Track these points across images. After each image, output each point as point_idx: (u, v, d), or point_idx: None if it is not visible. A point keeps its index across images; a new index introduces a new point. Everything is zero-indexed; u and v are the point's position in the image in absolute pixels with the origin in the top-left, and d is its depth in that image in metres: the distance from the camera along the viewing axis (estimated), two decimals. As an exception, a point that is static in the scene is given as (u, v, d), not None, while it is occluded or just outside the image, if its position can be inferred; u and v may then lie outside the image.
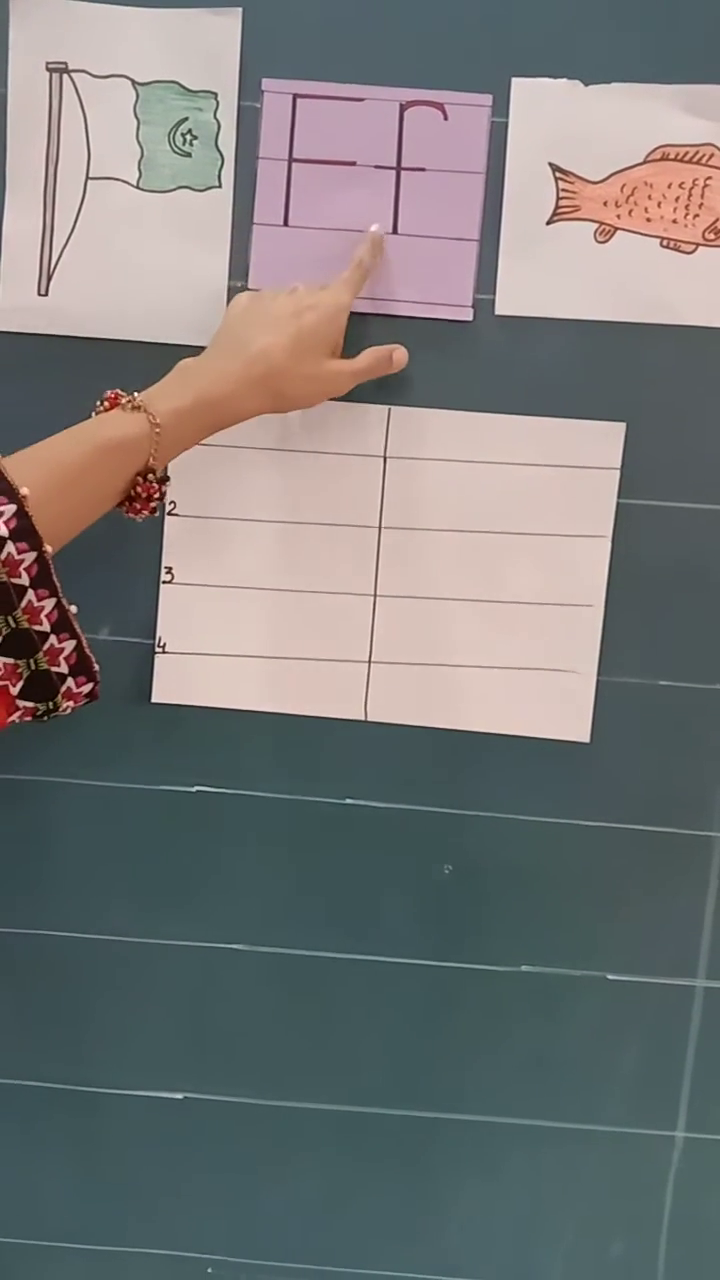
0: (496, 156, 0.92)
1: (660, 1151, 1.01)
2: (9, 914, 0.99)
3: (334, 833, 0.98)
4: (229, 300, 0.91)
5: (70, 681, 0.78)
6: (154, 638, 0.97)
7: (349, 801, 0.98)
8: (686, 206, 0.92)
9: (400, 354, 0.92)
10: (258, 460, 0.95)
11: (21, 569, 0.74)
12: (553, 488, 0.95)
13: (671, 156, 0.92)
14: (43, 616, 0.75)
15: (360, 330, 0.93)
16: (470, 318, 0.94)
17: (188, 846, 0.99)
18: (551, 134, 0.91)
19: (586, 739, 0.97)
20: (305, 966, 1.00)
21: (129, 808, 0.98)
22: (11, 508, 0.73)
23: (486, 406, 0.94)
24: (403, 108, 0.92)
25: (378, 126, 0.92)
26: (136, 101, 0.92)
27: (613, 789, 0.97)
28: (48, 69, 0.92)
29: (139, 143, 0.93)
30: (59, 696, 0.78)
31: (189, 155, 0.93)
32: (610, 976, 0.99)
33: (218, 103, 0.92)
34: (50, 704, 0.78)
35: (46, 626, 0.76)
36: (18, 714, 0.78)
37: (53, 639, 0.76)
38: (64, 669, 0.78)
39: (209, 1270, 1.04)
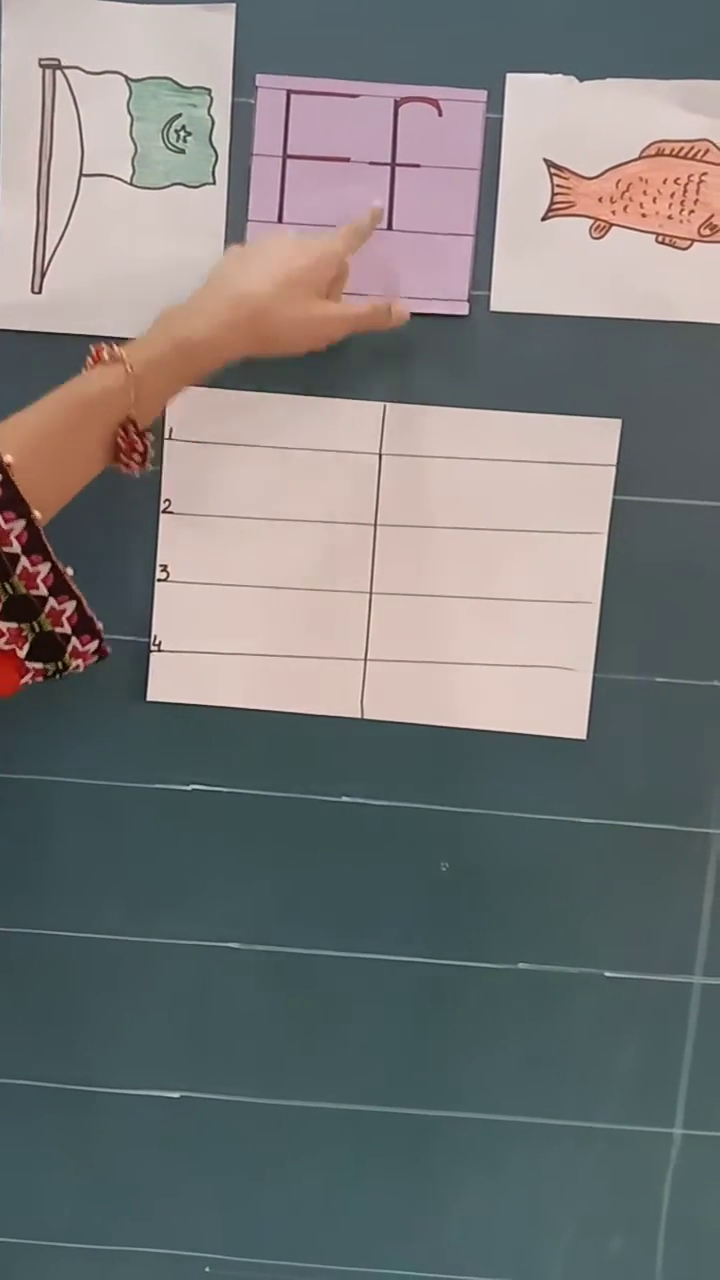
0: (491, 152, 0.92)
1: (658, 1148, 1.01)
2: (3, 912, 0.99)
3: (330, 831, 0.98)
4: None
5: (75, 641, 0.80)
6: (149, 636, 0.96)
7: (345, 799, 0.98)
8: (682, 202, 0.92)
9: (400, 308, 0.91)
10: (253, 457, 0.95)
11: (11, 537, 0.74)
12: (549, 484, 0.95)
13: (667, 152, 0.91)
14: (39, 581, 0.76)
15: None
16: (466, 314, 0.93)
17: (184, 845, 0.98)
18: (546, 130, 0.91)
19: (583, 736, 0.97)
20: (302, 965, 0.99)
21: (125, 806, 0.98)
22: None
23: (482, 403, 0.94)
24: (397, 104, 0.92)
25: (372, 122, 0.92)
26: (130, 98, 0.92)
27: (609, 786, 0.97)
28: (41, 65, 0.92)
29: (133, 139, 0.92)
30: (67, 656, 0.79)
31: (183, 152, 0.92)
32: (608, 973, 0.99)
33: (211, 99, 0.92)
34: (59, 664, 0.79)
35: (44, 590, 0.77)
36: (29, 675, 0.79)
37: (52, 602, 0.78)
38: (67, 629, 0.79)
39: (206, 1269, 1.03)
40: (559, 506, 0.95)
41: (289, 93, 0.92)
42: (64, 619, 0.79)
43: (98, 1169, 1.02)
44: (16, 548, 0.75)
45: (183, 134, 0.92)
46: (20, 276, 0.93)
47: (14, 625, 0.77)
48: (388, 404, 0.94)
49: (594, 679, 0.96)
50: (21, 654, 0.77)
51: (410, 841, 0.98)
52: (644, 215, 0.92)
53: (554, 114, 0.91)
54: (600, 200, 0.92)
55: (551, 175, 0.92)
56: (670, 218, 0.92)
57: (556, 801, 0.97)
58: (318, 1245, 1.03)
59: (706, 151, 0.91)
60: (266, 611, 0.96)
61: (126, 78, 0.92)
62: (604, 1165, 1.01)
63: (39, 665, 0.79)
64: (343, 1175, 1.02)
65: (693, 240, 0.92)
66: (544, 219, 0.93)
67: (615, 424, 0.94)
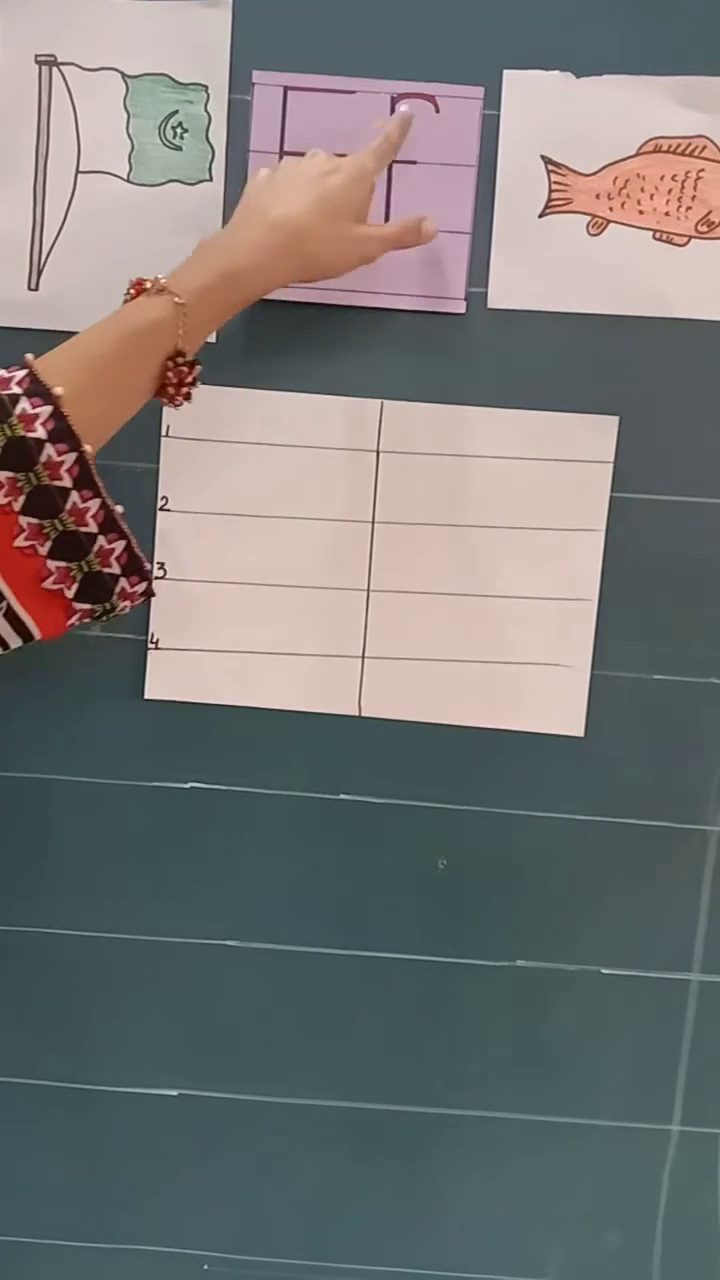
0: (488, 149, 0.92)
1: (656, 1145, 1.01)
2: (1, 911, 0.99)
3: (328, 828, 0.98)
4: None
5: (124, 581, 0.78)
6: (147, 634, 0.96)
7: (343, 797, 0.98)
8: (679, 199, 0.92)
9: (430, 224, 0.90)
10: (250, 455, 0.95)
11: (63, 470, 0.73)
12: (546, 481, 0.94)
13: (664, 149, 0.91)
14: (89, 518, 0.75)
15: (350, 325, 0.93)
16: (463, 311, 0.93)
17: (181, 843, 0.98)
18: (544, 126, 0.91)
19: (581, 733, 0.97)
20: (300, 962, 0.99)
21: (122, 804, 0.98)
22: (47, 409, 0.72)
23: (479, 400, 0.94)
24: (394, 100, 0.91)
25: (369, 119, 0.91)
26: (126, 94, 0.92)
27: (607, 783, 0.97)
28: (37, 62, 0.91)
29: (129, 136, 0.92)
30: (115, 597, 0.78)
31: (179, 148, 0.92)
32: (605, 971, 0.99)
33: (208, 95, 0.92)
34: (107, 604, 0.78)
35: (94, 528, 0.76)
36: (76, 616, 0.78)
37: (101, 540, 0.76)
38: (116, 569, 0.78)
39: (205, 1267, 1.03)
40: (556, 503, 0.95)
41: (286, 89, 0.92)
42: (112, 559, 0.77)
43: (96, 1167, 1.02)
44: (68, 481, 0.73)
45: (179, 130, 0.92)
46: (17, 273, 0.93)
47: (62, 564, 0.75)
48: (385, 401, 0.94)
49: (591, 676, 0.96)
50: (69, 594, 0.76)
51: (408, 839, 0.98)
52: (641, 212, 0.92)
53: (551, 110, 0.91)
54: (597, 197, 0.92)
55: (549, 172, 0.92)
56: (668, 214, 0.92)
57: (554, 799, 0.97)
58: (316, 1242, 1.03)
59: (704, 148, 0.91)
60: (264, 609, 0.96)
61: (123, 74, 0.92)
62: (602, 1162, 1.02)
63: (86, 606, 0.77)
64: (340, 1172, 1.02)
65: (690, 237, 0.92)
66: (541, 216, 0.92)
67: (613, 421, 0.94)
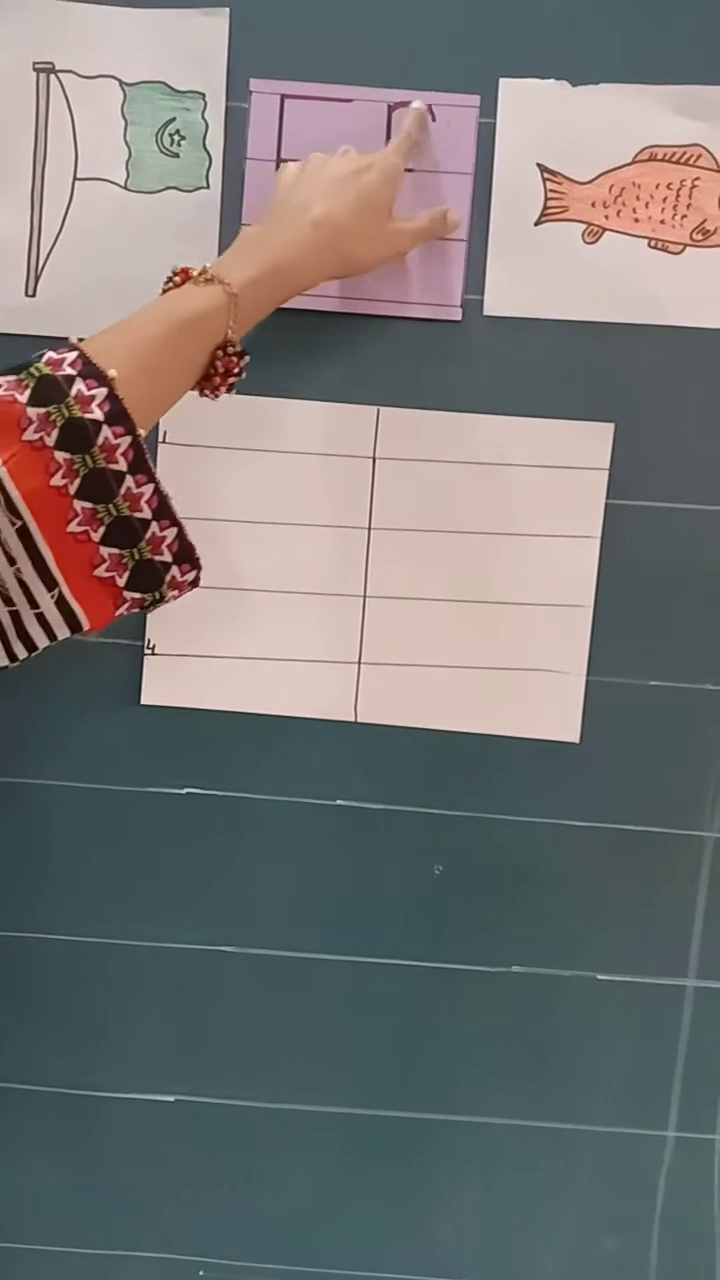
0: (484, 157, 0.92)
1: (652, 1150, 1.01)
2: (-1, 917, 0.99)
3: (325, 834, 0.98)
4: None
5: (175, 570, 0.77)
6: (143, 640, 0.96)
7: (339, 803, 0.98)
8: (674, 207, 0.92)
9: (454, 214, 0.92)
10: (247, 461, 0.95)
11: (118, 454, 0.72)
12: (542, 488, 0.95)
13: (659, 157, 0.92)
14: (143, 503, 0.74)
15: (347, 331, 0.93)
16: (459, 318, 0.94)
17: (178, 849, 0.98)
18: (539, 135, 0.91)
19: (576, 739, 0.97)
20: (296, 968, 0.99)
21: (119, 810, 0.98)
22: (103, 391, 0.72)
23: (475, 407, 0.94)
24: (391, 108, 0.92)
25: (366, 127, 0.92)
26: (124, 102, 0.92)
27: (602, 789, 0.97)
28: (35, 69, 0.92)
29: (127, 143, 0.92)
30: (164, 586, 0.77)
31: (177, 156, 0.92)
32: (601, 976, 0.99)
33: (205, 103, 0.92)
34: (157, 593, 0.77)
35: (148, 513, 0.74)
36: (125, 605, 0.76)
37: (154, 526, 0.75)
38: (168, 557, 0.76)
39: (200, 1273, 1.03)
40: (552, 510, 0.95)
41: (283, 97, 0.92)
42: (164, 546, 0.76)
43: (93, 1172, 1.02)
44: (123, 465, 0.72)
45: (177, 138, 0.92)
46: (14, 280, 0.93)
47: (115, 551, 0.73)
48: (381, 408, 0.94)
49: (587, 682, 0.96)
50: (121, 582, 0.75)
51: (404, 845, 0.98)
52: (637, 220, 0.92)
53: (547, 119, 0.91)
54: (593, 205, 0.92)
55: (544, 180, 0.92)
56: (663, 222, 0.92)
57: (550, 804, 0.97)
58: (312, 1248, 1.03)
59: (699, 156, 0.92)
60: (260, 615, 0.96)
61: (121, 82, 0.92)
62: (598, 1167, 1.02)
63: (136, 595, 0.76)
64: (337, 1178, 1.02)
65: (685, 245, 0.92)
66: (537, 224, 0.93)
67: (608, 428, 0.94)
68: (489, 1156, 1.01)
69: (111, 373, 0.72)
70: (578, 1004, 0.99)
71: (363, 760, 0.97)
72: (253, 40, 0.91)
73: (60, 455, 0.71)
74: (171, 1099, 1.01)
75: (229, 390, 0.82)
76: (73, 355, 0.73)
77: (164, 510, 0.75)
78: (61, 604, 0.73)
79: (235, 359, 0.81)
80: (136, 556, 0.75)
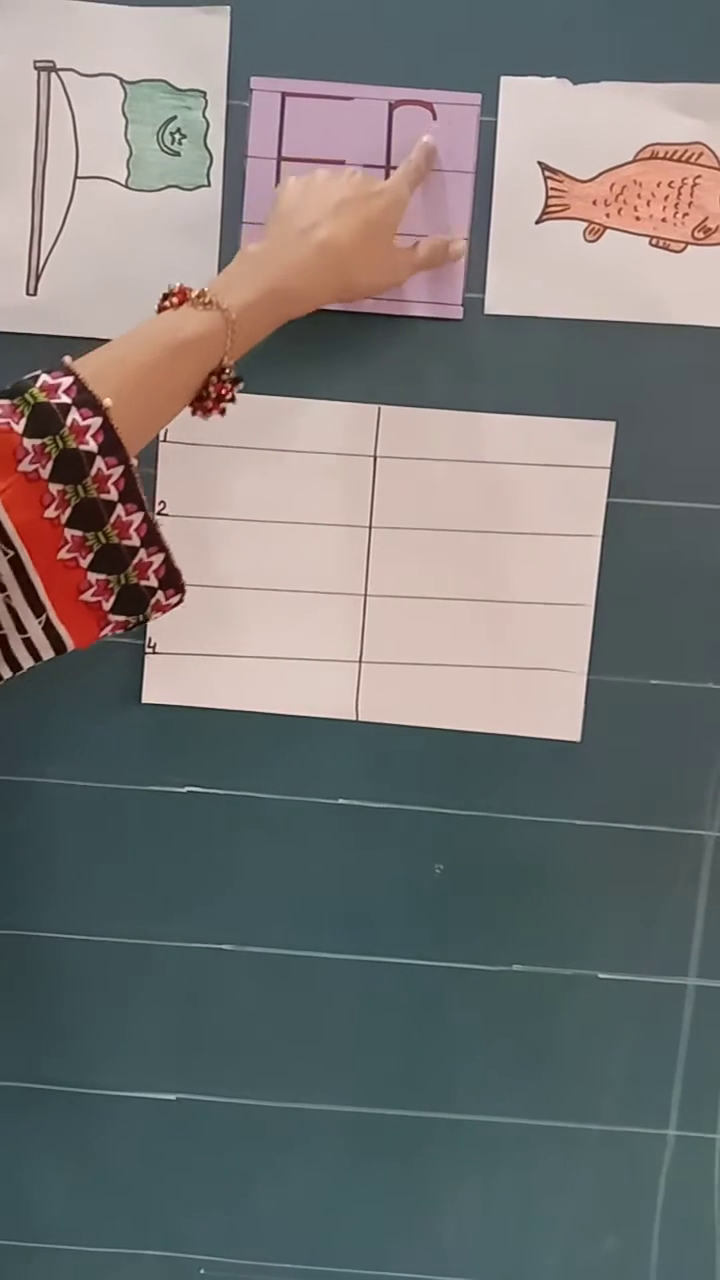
0: (485, 156, 0.92)
1: (653, 1149, 1.01)
2: None
3: (326, 833, 0.98)
4: None
5: (160, 594, 0.77)
6: (144, 638, 0.96)
7: (340, 802, 0.98)
8: (676, 205, 0.92)
9: (458, 245, 0.91)
10: (248, 460, 0.95)
11: (110, 484, 0.73)
12: (543, 487, 0.95)
13: (661, 155, 0.92)
14: (131, 531, 0.74)
15: (348, 330, 0.93)
16: (460, 317, 0.93)
17: (179, 847, 0.98)
18: (541, 133, 0.91)
19: (577, 738, 0.97)
20: (297, 967, 0.99)
21: (120, 808, 0.98)
22: (97, 420, 0.72)
23: (476, 406, 0.94)
24: (392, 107, 0.92)
25: (367, 125, 0.92)
26: (125, 100, 0.92)
27: (604, 788, 0.97)
28: (35, 68, 0.92)
29: (127, 142, 0.92)
30: (148, 609, 0.77)
31: (178, 154, 0.92)
32: (602, 975, 0.99)
33: (206, 101, 0.92)
34: (140, 617, 0.77)
35: (136, 541, 0.75)
36: (110, 627, 0.77)
37: (142, 553, 0.75)
38: (153, 582, 0.77)
39: (201, 1271, 1.03)
40: (553, 509, 0.95)
41: (284, 95, 0.92)
42: (150, 572, 0.76)
43: (94, 1171, 1.02)
44: (114, 494, 0.73)
45: (178, 136, 0.92)
46: (15, 279, 0.93)
47: (102, 577, 0.74)
48: (382, 406, 0.94)
49: (588, 681, 0.96)
50: (107, 606, 0.75)
51: (405, 843, 0.98)
52: (638, 218, 0.92)
53: (548, 117, 0.91)
54: (594, 203, 0.92)
55: (546, 178, 0.92)
56: (664, 220, 0.92)
57: (551, 803, 0.97)
58: (313, 1247, 1.03)
59: (700, 154, 0.91)
60: (261, 614, 0.96)
61: (121, 80, 0.92)
62: (599, 1166, 1.02)
63: (121, 618, 0.76)
64: (338, 1177, 1.02)
65: (687, 243, 0.92)
66: (538, 222, 0.93)
67: (609, 426, 0.94)
68: (490, 1155, 1.01)
69: (107, 402, 0.72)
70: (579, 1003, 0.99)
71: (363, 759, 0.97)
72: (254, 38, 0.91)
73: (54, 487, 0.71)
74: (173, 1098, 1.01)
75: (220, 413, 0.82)
76: (68, 381, 0.72)
77: (152, 537, 0.76)
78: (48, 628, 0.74)
79: (229, 384, 0.81)
80: (123, 581, 0.75)
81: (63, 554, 0.73)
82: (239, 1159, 1.02)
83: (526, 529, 0.95)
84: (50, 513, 0.71)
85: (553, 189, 0.92)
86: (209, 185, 0.93)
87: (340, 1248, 1.03)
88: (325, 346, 0.93)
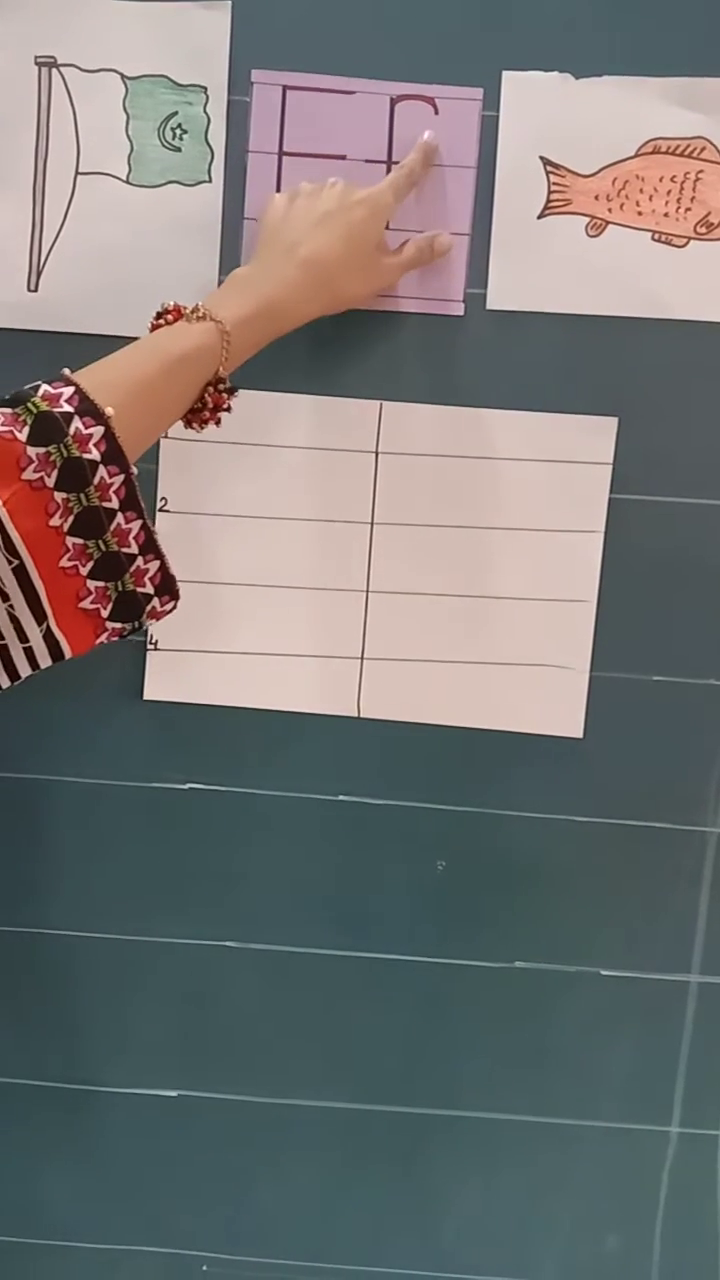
0: (487, 150, 0.92)
1: (655, 1146, 1.01)
2: (0, 911, 0.99)
3: (327, 829, 0.98)
4: None
5: (155, 601, 0.78)
6: (146, 635, 0.96)
7: (342, 798, 0.98)
8: (678, 200, 0.92)
9: (442, 241, 0.92)
10: (249, 456, 0.95)
11: (111, 492, 0.73)
12: (545, 483, 0.94)
13: (663, 150, 0.91)
14: (130, 539, 0.75)
15: (349, 326, 0.93)
16: (462, 312, 0.93)
17: (180, 844, 0.98)
18: (542, 127, 0.91)
19: (579, 734, 0.97)
20: (299, 963, 0.99)
21: (121, 805, 0.98)
22: (100, 429, 0.72)
23: (478, 401, 0.94)
24: (393, 101, 0.91)
25: (368, 120, 0.91)
26: (126, 95, 0.92)
27: (606, 784, 0.97)
28: (36, 63, 0.91)
29: (128, 137, 0.92)
30: (144, 616, 0.78)
31: (179, 150, 0.92)
32: (604, 972, 0.99)
33: (207, 97, 0.92)
34: (135, 624, 0.78)
35: (135, 549, 0.76)
36: (106, 634, 0.77)
37: (139, 560, 0.76)
38: (150, 589, 0.78)
39: (204, 1268, 1.04)
40: (555, 505, 0.95)
41: (285, 89, 0.92)
42: (147, 579, 0.77)
43: (95, 1168, 1.02)
44: (114, 502, 0.74)
45: (178, 132, 0.92)
46: (16, 275, 0.93)
47: (101, 584, 0.75)
48: (384, 402, 0.94)
49: (590, 677, 0.96)
50: (104, 614, 0.76)
51: (407, 840, 0.98)
52: (640, 213, 0.92)
53: (550, 112, 0.91)
54: (596, 198, 0.92)
55: (548, 173, 0.92)
56: (666, 215, 0.92)
57: (553, 800, 0.97)
58: (315, 1244, 1.03)
59: (703, 149, 0.91)
60: (263, 610, 0.96)
61: (122, 75, 0.92)
62: (601, 1163, 1.02)
63: (118, 625, 0.77)
64: (340, 1174, 1.02)
65: (689, 238, 0.92)
66: (540, 217, 0.92)
67: (611, 422, 0.94)
68: (492, 1152, 1.01)
69: (109, 411, 0.73)
70: (581, 999, 0.99)
71: (365, 755, 0.97)
72: (254, 34, 0.91)
73: (59, 496, 0.72)
74: (174, 1094, 1.01)
75: (216, 424, 0.83)
76: (69, 391, 0.73)
77: (150, 545, 0.77)
78: (48, 636, 0.74)
79: (225, 394, 0.82)
80: (120, 588, 0.76)
81: (64, 562, 0.73)
82: (241, 1155, 1.02)
83: (529, 525, 0.95)
84: (54, 521, 0.72)
85: (554, 184, 0.92)
86: (210, 181, 0.92)
87: (342, 1244, 1.03)
88: (327, 342, 0.93)
